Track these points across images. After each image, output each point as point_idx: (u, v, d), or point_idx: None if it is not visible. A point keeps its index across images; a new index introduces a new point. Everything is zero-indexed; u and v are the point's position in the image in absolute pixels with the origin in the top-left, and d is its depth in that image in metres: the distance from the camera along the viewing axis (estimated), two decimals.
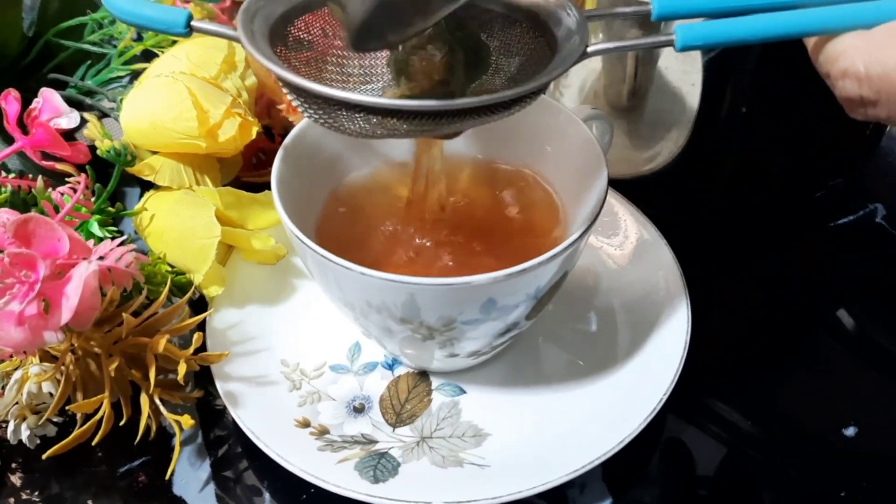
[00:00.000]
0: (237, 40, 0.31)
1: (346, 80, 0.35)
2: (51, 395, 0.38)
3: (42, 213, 0.39)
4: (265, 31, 0.32)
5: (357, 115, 0.30)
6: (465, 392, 0.40)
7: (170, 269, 0.42)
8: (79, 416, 0.38)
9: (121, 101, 0.45)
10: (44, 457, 0.37)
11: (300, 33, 0.34)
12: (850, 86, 0.29)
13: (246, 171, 0.49)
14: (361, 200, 0.41)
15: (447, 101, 0.30)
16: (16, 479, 0.38)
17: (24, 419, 0.38)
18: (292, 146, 0.39)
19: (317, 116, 0.31)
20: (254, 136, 0.44)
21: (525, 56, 0.34)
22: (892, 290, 0.47)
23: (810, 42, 0.30)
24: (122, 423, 0.38)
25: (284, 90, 0.32)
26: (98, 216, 0.42)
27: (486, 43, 0.34)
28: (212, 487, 0.38)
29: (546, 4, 0.33)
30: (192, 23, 0.31)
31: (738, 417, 0.41)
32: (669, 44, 0.31)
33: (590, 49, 0.31)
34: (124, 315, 0.37)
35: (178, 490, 0.38)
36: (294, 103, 0.32)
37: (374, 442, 0.38)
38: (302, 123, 0.39)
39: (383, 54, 0.35)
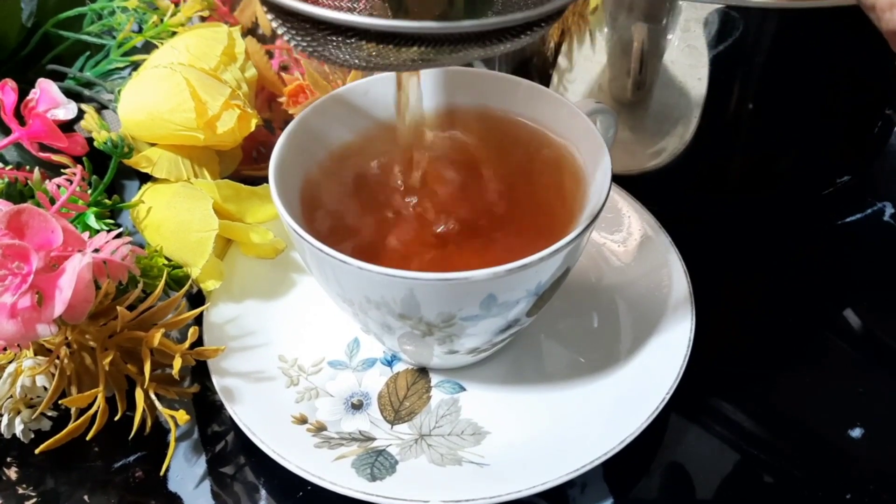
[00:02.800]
0: None
1: (337, 5, 0.33)
2: (45, 388, 0.37)
3: (38, 204, 0.38)
4: None
5: (350, 41, 0.28)
6: (464, 389, 0.40)
7: (167, 262, 0.42)
8: (73, 410, 0.37)
9: (119, 92, 0.44)
10: (38, 451, 0.37)
11: None
12: None
13: (246, 164, 0.49)
14: (363, 192, 0.40)
15: (450, 23, 0.27)
16: (10, 474, 0.38)
17: (18, 413, 0.37)
18: (291, 139, 0.38)
19: (305, 44, 0.29)
20: (253, 129, 0.43)
21: None
22: None
23: None
24: (116, 417, 0.37)
25: (269, 16, 0.29)
26: (94, 208, 0.42)
27: None
28: (207, 483, 0.37)
29: None
30: None
31: (742, 417, 0.40)
32: None
33: None
34: (119, 308, 0.37)
35: (173, 486, 0.37)
36: (280, 31, 0.29)
37: (371, 439, 0.37)
38: (301, 115, 0.39)
39: None
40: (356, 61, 0.29)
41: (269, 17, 0.30)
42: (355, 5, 0.33)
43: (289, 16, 0.28)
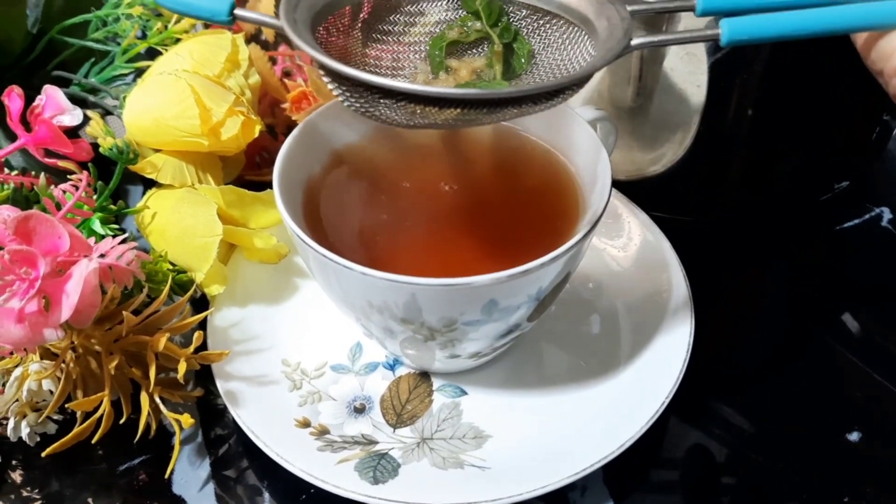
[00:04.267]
0: (280, 29, 0.31)
1: (383, 70, 0.36)
2: (51, 392, 0.37)
3: (44, 210, 0.39)
4: (307, 20, 0.33)
5: (398, 104, 0.30)
6: (466, 393, 0.40)
7: (171, 267, 0.42)
8: (79, 413, 0.37)
9: (124, 98, 0.45)
10: (44, 454, 0.37)
11: (341, 22, 0.35)
12: None
13: (249, 169, 0.49)
14: (366, 197, 0.40)
15: (490, 90, 0.30)
16: (16, 477, 0.38)
17: (24, 416, 0.38)
18: (295, 144, 0.38)
19: (357, 105, 0.32)
20: (256, 135, 0.44)
21: (566, 52, 0.34)
22: None
23: (860, 38, 0.29)
24: (122, 421, 0.38)
25: (325, 79, 0.32)
26: (100, 214, 0.42)
27: (524, 38, 0.35)
28: (211, 486, 0.38)
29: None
30: (235, 11, 0.32)
31: (741, 421, 0.40)
32: (715, 38, 0.30)
33: (634, 42, 0.31)
34: (125, 313, 0.37)
35: (177, 489, 0.38)
36: (335, 92, 0.32)
37: (374, 442, 0.38)
38: (305, 122, 0.39)
39: (423, 48, 0.35)
40: (401, 119, 0.32)
41: (326, 80, 0.32)
42: (401, 70, 0.36)
43: (343, 79, 0.31)
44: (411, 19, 0.37)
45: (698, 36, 0.32)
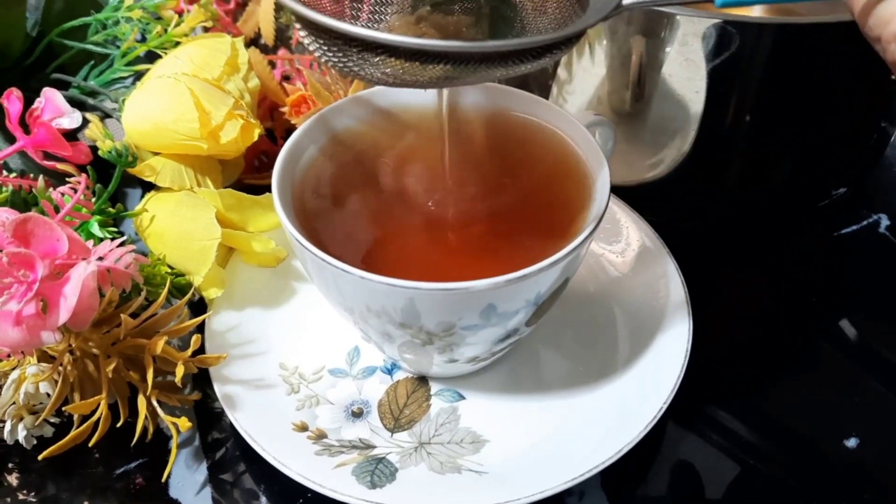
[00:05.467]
0: None
1: (363, 24, 0.34)
2: (48, 395, 0.37)
3: (42, 213, 0.39)
4: None
5: (378, 57, 0.29)
6: (464, 398, 0.40)
7: (169, 270, 0.42)
8: (76, 417, 0.37)
9: (123, 101, 0.45)
10: (40, 457, 0.37)
11: None
12: None
13: (248, 173, 0.49)
14: (364, 201, 0.40)
15: (477, 43, 0.29)
16: (12, 480, 0.38)
17: (21, 419, 0.38)
18: (294, 148, 0.38)
19: (335, 60, 0.31)
20: (256, 139, 0.44)
21: (554, 14, 0.34)
22: (894, 300, 0.47)
23: (857, 4, 0.29)
24: (119, 424, 0.38)
25: (302, 33, 0.31)
26: (98, 217, 0.42)
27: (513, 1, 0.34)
28: (208, 490, 0.38)
29: None
30: None
31: (739, 427, 0.40)
32: None
33: (625, 1, 0.30)
34: (123, 316, 0.37)
35: (174, 492, 0.38)
36: (311, 47, 0.31)
37: (371, 447, 0.37)
38: (304, 125, 0.39)
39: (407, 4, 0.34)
40: (383, 77, 0.31)
41: (302, 33, 0.31)
42: (380, 23, 0.34)
43: (321, 32, 0.30)
44: None
45: None
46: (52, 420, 0.39)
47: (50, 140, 0.43)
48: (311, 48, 0.31)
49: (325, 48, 0.30)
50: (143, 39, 0.49)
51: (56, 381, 0.37)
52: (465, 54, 0.29)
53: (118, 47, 0.49)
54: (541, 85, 0.49)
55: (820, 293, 0.47)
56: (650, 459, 0.39)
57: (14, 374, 0.37)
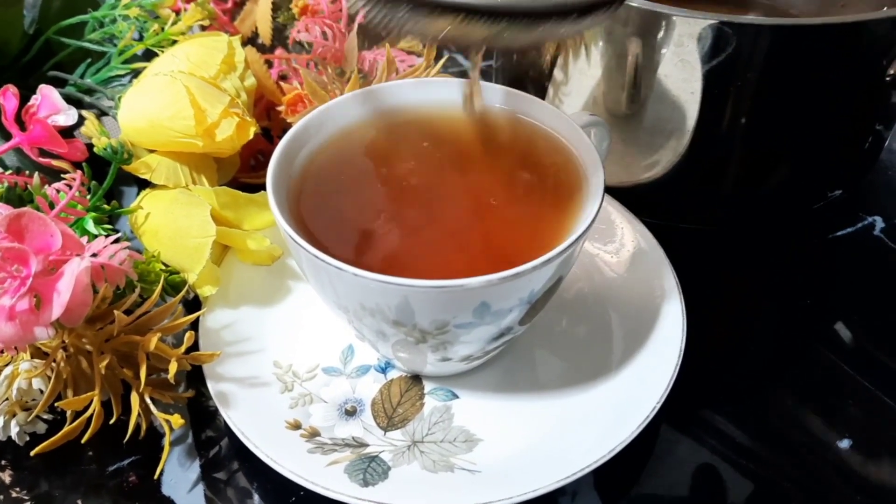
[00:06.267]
0: None
1: None
2: (41, 391, 0.37)
3: (38, 209, 0.39)
4: None
5: (428, 17, 0.31)
6: (457, 397, 0.40)
7: (164, 267, 0.42)
8: (68, 413, 0.37)
9: (119, 99, 0.45)
10: (32, 454, 0.37)
11: None
12: None
13: (244, 172, 0.50)
14: (359, 199, 0.40)
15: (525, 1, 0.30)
16: (4, 477, 0.38)
17: (14, 415, 0.38)
18: (289, 146, 0.39)
19: (381, 16, 0.31)
20: (251, 137, 0.44)
21: None
22: (889, 302, 0.47)
23: None
24: (111, 421, 0.37)
25: None
26: (93, 213, 0.42)
27: None
28: (201, 488, 0.38)
29: None
30: None
31: (732, 428, 0.40)
32: None
33: None
34: (116, 312, 0.37)
35: (166, 490, 0.38)
36: (359, 3, 0.32)
37: (364, 445, 0.37)
38: (300, 124, 0.39)
39: None
40: (430, 35, 0.32)
41: None
42: None
43: None
44: None
45: None
46: (45, 416, 0.39)
47: (46, 137, 0.43)
48: (358, 5, 0.32)
49: (371, 4, 0.31)
50: (141, 37, 0.49)
51: (49, 378, 0.37)
52: (512, 11, 0.30)
53: (115, 45, 0.49)
54: (537, 85, 0.50)
55: (815, 295, 0.47)
56: (643, 460, 0.39)
57: (7, 370, 0.37)
